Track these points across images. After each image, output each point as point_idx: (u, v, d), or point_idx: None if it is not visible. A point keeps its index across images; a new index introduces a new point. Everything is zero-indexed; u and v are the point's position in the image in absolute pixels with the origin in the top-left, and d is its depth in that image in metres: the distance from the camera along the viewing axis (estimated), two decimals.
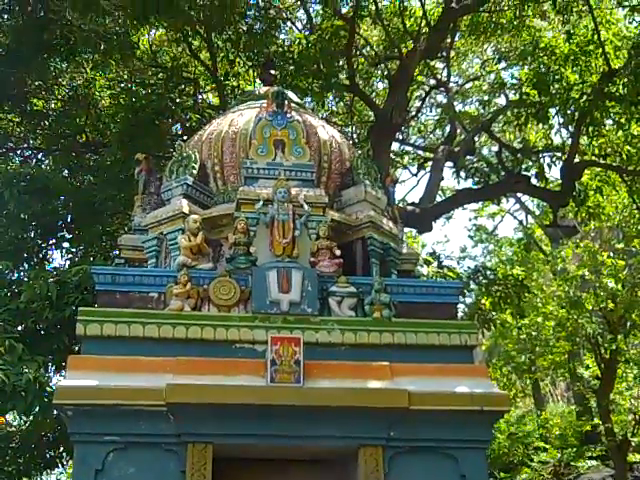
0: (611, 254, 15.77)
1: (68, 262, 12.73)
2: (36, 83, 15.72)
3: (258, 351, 6.78)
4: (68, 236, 13.41)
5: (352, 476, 6.73)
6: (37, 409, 9.56)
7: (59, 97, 17.01)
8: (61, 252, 13.04)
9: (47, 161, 16.90)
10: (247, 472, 6.80)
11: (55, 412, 9.80)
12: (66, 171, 15.97)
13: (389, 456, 6.52)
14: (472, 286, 14.15)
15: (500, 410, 6.85)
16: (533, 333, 16.64)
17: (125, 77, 17.05)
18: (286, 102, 8.16)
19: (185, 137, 13.80)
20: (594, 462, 18.01)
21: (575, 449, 18.68)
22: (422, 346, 7.04)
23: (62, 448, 11.36)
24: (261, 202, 7.42)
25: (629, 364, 15.94)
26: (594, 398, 17.19)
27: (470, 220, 31.83)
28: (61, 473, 16.25)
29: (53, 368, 10.90)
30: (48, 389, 9.39)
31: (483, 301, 13.05)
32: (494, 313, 12.94)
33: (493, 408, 6.69)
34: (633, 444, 16.11)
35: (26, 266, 12.96)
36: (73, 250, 12.74)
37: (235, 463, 6.71)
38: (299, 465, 6.86)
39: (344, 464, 6.86)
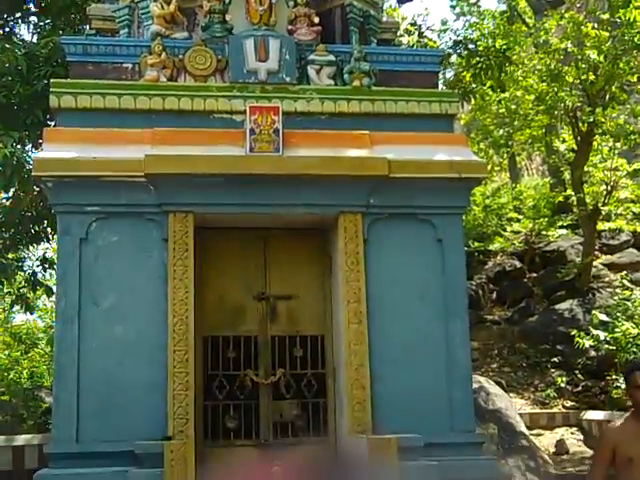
0: (595, 25, 15.39)
1: (36, 37, 12.25)
2: None
3: (237, 121, 6.76)
4: (34, 9, 12.82)
5: (332, 243, 6.93)
6: (17, 184, 9.61)
7: None
8: (28, 27, 12.52)
9: None
10: (228, 241, 6.96)
11: (35, 188, 9.90)
12: None
13: (368, 222, 6.69)
14: (453, 59, 13.89)
15: (477, 177, 6.97)
16: (512, 107, 16.56)
17: None
18: None
19: None
20: (564, 231, 18.62)
21: (547, 219, 19.24)
22: (402, 115, 7.03)
23: (46, 223, 11.54)
24: None
25: (605, 136, 16.06)
26: (568, 170, 17.48)
27: None
28: (47, 249, 16.58)
29: (30, 145, 10.83)
30: (26, 165, 9.40)
31: (464, 74, 12.86)
32: (474, 85, 12.80)
33: (471, 175, 6.81)
34: (603, 213, 16.59)
35: None
36: (41, 24, 12.21)
37: (217, 232, 6.86)
38: (280, 233, 7.02)
39: (324, 232, 7.04)
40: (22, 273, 13.28)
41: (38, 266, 13.08)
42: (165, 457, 5.49)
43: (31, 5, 12.31)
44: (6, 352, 17.59)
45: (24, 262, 13.72)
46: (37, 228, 11.79)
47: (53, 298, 12.79)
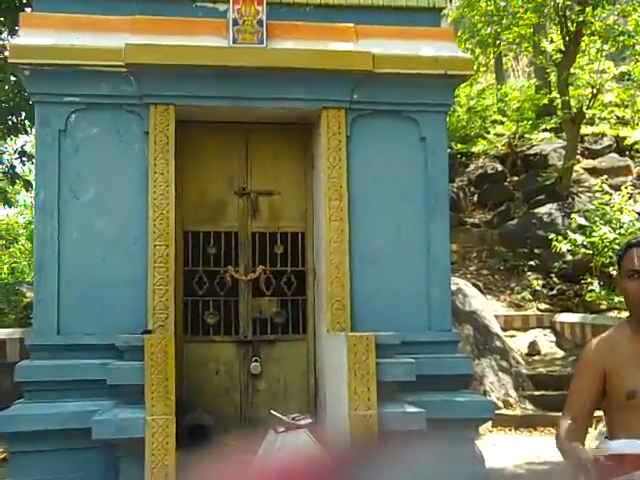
0: None
1: None
2: None
3: (220, 10, 6.55)
4: None
5: (314, 139, 6.84)
6: None
7: None
8: None
9: None
10: (210, 135, 6.85)
11: (13, 77, 9.65)
12: None
13: (352, 118, 6.57)
14: None
15: (463, 74, 6.81)
16: (501, 4, 16.22)
17: None
18: None
19: None
20: (547, 134, 18.55)
21: (531, 122, 19.12)
22: (388, 7, 6.85)
23: (24, 115, 11.32)
24: None
25: (593, 37, 15.79)
26: (554, 72, 17.27)
27: None
28: (26, 142, 16.34)
29: (6, 31, 10.50)
30: (3, 52, 9.15)
31: None
32: None
33: (457, 72, 6.65)
34: (587, 117, 16.49)
35: None
36: None
37: (198, 125, 6.74)
38: (262, 128, 6.91)
39: (307, 128, 6.93)
40: (0, 166, 13.12)
41: (16, 159, 12.91)
42: (146, 350, 5.52)
43: None
44: None
45: (2, 155, 13.54)
46: (15, 120, 11.58)
47: (32, 193, 12.65)
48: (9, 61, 6.25)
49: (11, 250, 17.75)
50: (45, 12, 6.39)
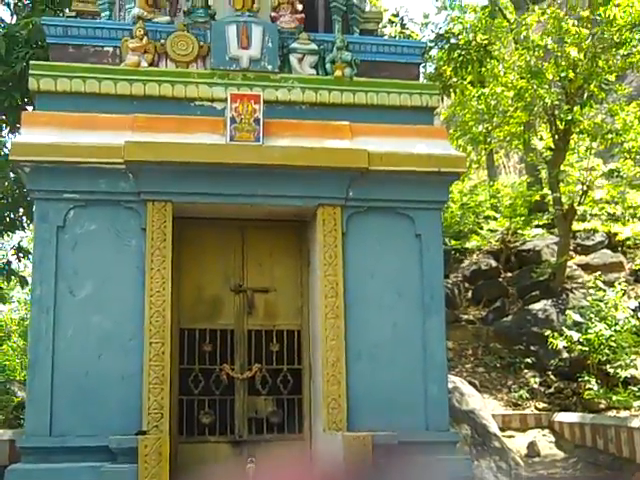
0: (575, 22, 15.38)
1: (16, 17, 12.03)
2: None
3: (217, 109, 6.68)
4: None
5: (310, 236, 6.86)
6: None
7: None
8: (7, 7, 12.27)
9: None
10: (206, 231, 6.88)
11: (12, 174, 9.74)
12: None
13: (347, 216, 6.62)
14: (434, 53, 13.83)
15: (457, 171, 6.89)
16: (492, 103, 16.57)
17: None
18: None
19: None
20: (540, 230, 18.69)
21: (523, 218, 19.29)
22: (383, 106, 6.98)
23: (22, 211, 11.36)
24: None
25: (582, 135, 16.09)
26: (545, 169, 17.53)
27: None
28: (22, 237, 16.38)
29: (7, 129, 10.63)
30: (3, 149, 9.25)
31: (444, 68, 12.83)
32: (455, 79, 12.76)
33: (450, 169, 6.75)
34: (578, 213, 16.65)
35: None
36: (20, 5, 11.98)
37: (195, 222, 6.77)
38: (258, 225, 6.94)
39: (302, 224, 6.97)
40: None
41: (12, 255, 12.87)
42: (140, 452, 5.40)
43: None
44: None
45: None
46: (13, 216, 11.60)
47: (27, 289, 12.56)
48: (10, 158, 6.30)
49: (2, 347, 17.53)
50: (47, 110, 6.49)
